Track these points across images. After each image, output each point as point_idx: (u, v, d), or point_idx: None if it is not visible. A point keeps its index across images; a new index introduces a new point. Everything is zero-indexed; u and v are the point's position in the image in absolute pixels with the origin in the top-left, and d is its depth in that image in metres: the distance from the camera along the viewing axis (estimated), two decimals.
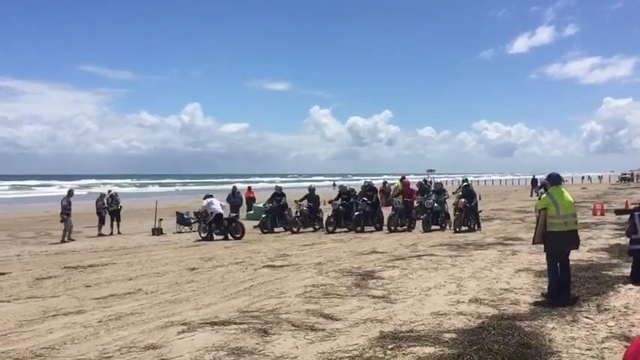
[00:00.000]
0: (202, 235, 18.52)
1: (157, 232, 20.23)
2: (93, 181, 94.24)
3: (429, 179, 27.51)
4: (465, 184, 20.17)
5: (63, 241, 18.30)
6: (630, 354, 1.51)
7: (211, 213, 18.31)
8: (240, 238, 17.90)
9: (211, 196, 19.38)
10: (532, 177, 48.39)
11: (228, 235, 18.18)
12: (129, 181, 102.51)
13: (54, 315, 7.66)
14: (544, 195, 8.07)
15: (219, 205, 18.71)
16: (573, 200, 8.11)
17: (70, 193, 20.10)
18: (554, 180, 8.08)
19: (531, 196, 40.69)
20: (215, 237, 18.20)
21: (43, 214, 31.39)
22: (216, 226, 18.27)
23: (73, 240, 18.64)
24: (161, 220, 20.90)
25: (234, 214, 19.01)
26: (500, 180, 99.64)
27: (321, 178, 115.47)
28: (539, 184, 44.88)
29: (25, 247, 17.21)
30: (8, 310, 8.05)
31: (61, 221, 18.90)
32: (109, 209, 21.38)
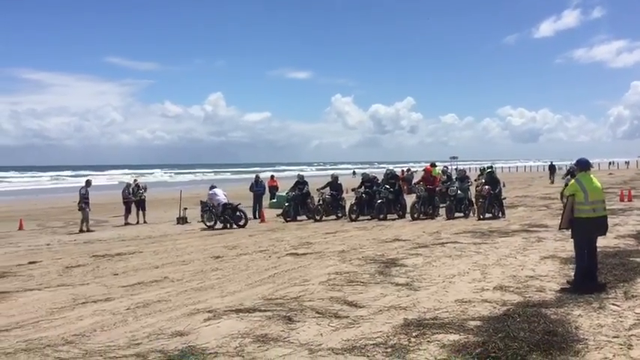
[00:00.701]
0: (207, 224, 18.79)
1: (182, 221, 20.49)
2: (122, 171, 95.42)
3: (450, 167, 27.22)
4: (490, 170, 20.00)
5: (81, 231, 18.49)
6: None
7: (218, 204, 18.66)
8: (243, 226, 18.15)
9: (215, 187, 19.78)
10: (550, 163, 47.37)
11: (233, 223, 18.45)
12: (158, 170, 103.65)
13: (83, 302, 7.83)
14: (572, 181, 7.96)
15: (222, 194, 19.08)
16: (602, 186, 8.00)
17: (89, 183, 20.23)
18: (583, 166, 7.94)
19: (551, 183, 39.75)
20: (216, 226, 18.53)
21: (71, 204, 31.89)
22: (222, 215, 18.55)
23: (93, 231, 18.77)
24: (186, 209, 21.14)
25: (238, 203, 19.17)
26: (525, 166, 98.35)
27: (346, 166, 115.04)
28: (557, 170, 44.16)
29: (54, 236, 17.60)
30: (39, 298, 8.26)
31: (80, 210, 19.04)
32: (135, 198, 21.64)
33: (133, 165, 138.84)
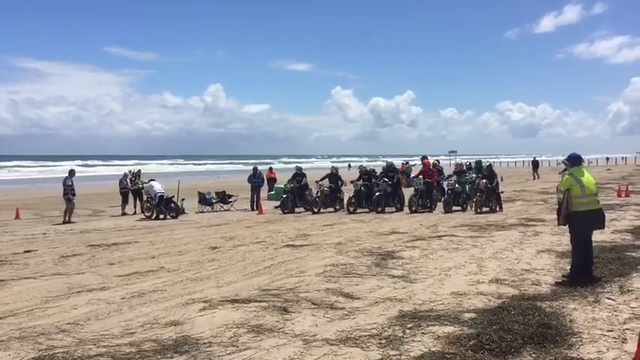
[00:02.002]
0: (146, 214, 19.90)
1: (179, 211, 20.44)
2: (126, 161, 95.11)
3: (440, 162, 27.22)
4: (488, 164, 20.11)
5: (64, 222, 18.18)
6: None
7: (155, 195, 19.50)
8: (176, 217, 19.21)
9: (153, 180, 20.81)
10: (532, 159, 45.97)
11: (167, 214, 19.40)
12: (154, 161, 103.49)
13: (78, 291, 7.82)
14: (566, 176, 7.95)
15: (159, 187, 19.95)
16: (595, 180, 8.00)
17: (72, 173, 19.77)
18: (575, 160, 7.96)
19: (533, 179, 39.26)
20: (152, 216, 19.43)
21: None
22: (158, 206, 19.42)
23: (74, 222, 18.34)
24: (183, 199, 21.10)
25: (172, 196, 20.14)
26: (524, 161, 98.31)
27: (350, 159, 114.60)
28: (540, 166, 43.53)
29: (50, 225, 17.55)
30: (34, 287, 8.25)
31: (68, 201, 18.69)
32: (134, 187, 21.53)
33: (134, 155, 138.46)
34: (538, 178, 39.72)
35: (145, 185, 20.58)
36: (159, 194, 19.44)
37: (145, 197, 20.72)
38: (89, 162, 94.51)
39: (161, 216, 19.20)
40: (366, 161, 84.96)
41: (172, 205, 19.62)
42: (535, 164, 43.18)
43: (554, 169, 54.23)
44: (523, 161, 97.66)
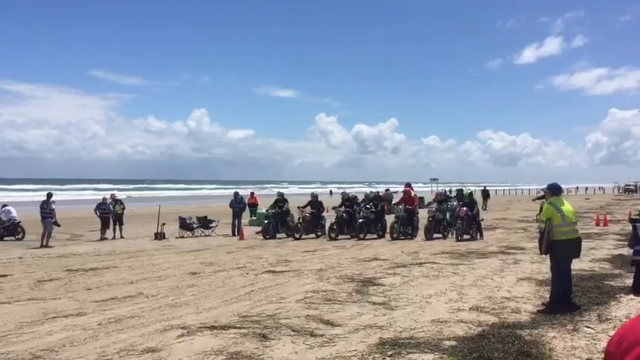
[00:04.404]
0: None
1: (160, 236, 20.25)
2: (108, 185, 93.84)
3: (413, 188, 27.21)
4: (469, 192, 20.29)
5: (42, 246, 17.87)
6: (614, 342, 1.49)
7: (8, 219, 20.82)
8: (21, 239, 20.46)
9: (6, 205, 21.90)
10: (483, 188, 42.13)
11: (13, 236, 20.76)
12: (133, 186, 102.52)
13: (54, 317, 7.66)
14: (547, 205, 8.06)
15: (14, 213, 21.15)
16: (574, 210, 8.13)
17: (50, 195, 19.51)
18: (555, 190, 8.11)
19: (484, 209, 34.14)
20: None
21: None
22: (6, 229, 20.82)
23: (52, 246, 18.01)
24: (164, 224, 20.91)
25: (19, 221, 21.19)
26: (504, 189, 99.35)
27: (334, 185, 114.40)
28: (490, 196, 40.32)
29: (27, 249, 17.24)
30: (9, 312, 8.06)
31: (48, 225, 18.40)
32: (114, 212, 21.29)
33: (116, 180, 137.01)
34: (485, 209, 35.05)
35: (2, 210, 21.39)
36: (11, 218, 20.88)
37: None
38: (69, 186, 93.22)
39: (5, 238, 20.51)
40: (344, 188, 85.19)
41: (19, 229, 21.04)
42: (485, 194, 39.94)
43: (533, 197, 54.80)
44: (504, 189, 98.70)
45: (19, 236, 20.84)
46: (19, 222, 21.26)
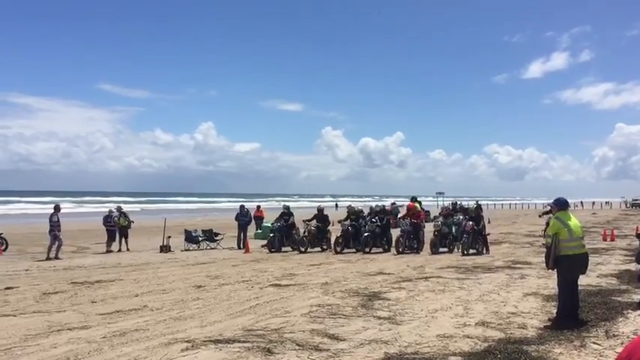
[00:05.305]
0: None
1: (165, 249, 20.27)
2: (117, 198, 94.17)
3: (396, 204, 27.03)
4: (476, 206, 20.27)
5: (48, 259, 17.93)
6: (622, 358, 1.49)
7: None
8: (5, 250, 20.36)
9: None
10: (451, 202, 40.99)
11: None
12: (139, 198, 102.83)
13: (59, 330, 7.66)
14: (553, 220, 8.03)
15: None
16: (581, 224, 8.09)
17: (58, 208, 19.59)
18: (562, 205, 8.09)
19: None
20: None
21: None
22: None
23: (61, 258, 18.08)
24: (169, 237, 20.95)
25: (1, 233, 21.08)
26: (510, 204, 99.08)
27: (337, 198, 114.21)
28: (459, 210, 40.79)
29: (33, 262, 17.29)
30: (14, 324, 8.07)
31: (55, 238, 18.46)
32: (120, 225, 21.37)
33: (123, 192, 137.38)
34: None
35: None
36: None
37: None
38: (76, 198, 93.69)
39: None
40: (353, 201, 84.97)
41: (1, 240, 21.07)
42: (454, 208, 38.76)
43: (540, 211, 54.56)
44: (510, 204, 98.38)
45: (3, 247, 20.63)
46: (1, 233, 21.13)
